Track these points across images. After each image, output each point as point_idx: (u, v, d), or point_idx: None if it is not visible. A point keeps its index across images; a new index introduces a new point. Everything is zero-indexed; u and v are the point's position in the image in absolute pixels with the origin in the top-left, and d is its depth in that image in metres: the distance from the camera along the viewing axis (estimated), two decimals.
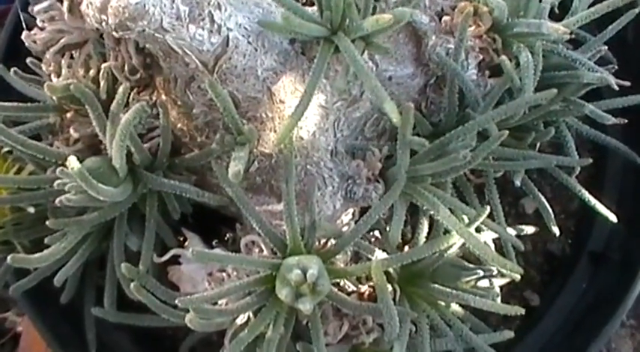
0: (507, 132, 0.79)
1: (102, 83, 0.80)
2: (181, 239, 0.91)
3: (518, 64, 0.84)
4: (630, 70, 0.93)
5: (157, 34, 0.72)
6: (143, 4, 0.70)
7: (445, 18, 0.86)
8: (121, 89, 0.75)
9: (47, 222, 0.79)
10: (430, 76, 0.86)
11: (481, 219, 0.80)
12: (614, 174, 0.99)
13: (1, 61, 0.94)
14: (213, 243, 0.91)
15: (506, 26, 0.84)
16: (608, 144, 0.93)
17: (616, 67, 0.89)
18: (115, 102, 0.75)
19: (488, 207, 0.80)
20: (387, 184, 0.82)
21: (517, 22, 0.83)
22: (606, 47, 0.89)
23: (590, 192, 0.91)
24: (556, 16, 0.92)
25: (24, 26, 0.89)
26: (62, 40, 0.74)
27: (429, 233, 0.86)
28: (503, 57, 0.80)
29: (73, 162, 0.71)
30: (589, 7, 0.91)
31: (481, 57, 0.85)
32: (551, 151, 0.94)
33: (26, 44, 0.76)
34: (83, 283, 0.91)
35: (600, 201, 0.91)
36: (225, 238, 0.92)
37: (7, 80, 0.91)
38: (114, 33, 0.72)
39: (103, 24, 0.71)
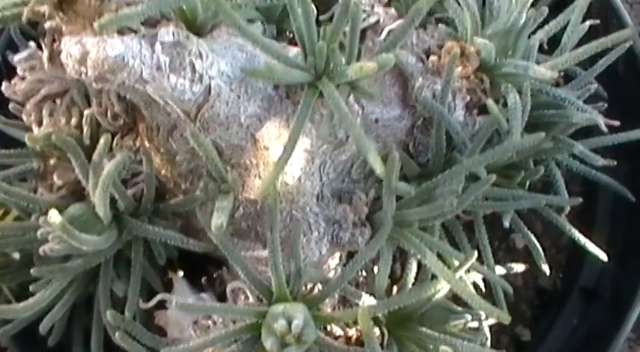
0: (495, 176, 0.78)
1: (85, 129, 0.80)
2: (168, 279, 0.90)
3: (506, 104, 0.83)
4: (621, 104, 0.92)
5: (137, 86, 0.71)
6: (122, 57, 0.69)
7: (432, 58, 0.85)
8: (102, 139, 0.74)
9: (32, 270, 0.79)
10: (417, 117, 0.85)
11: (469, 264, 0.80)
12: (605, 209, 0.98)
13: None
14: (202, 280, 0.91)
15: (494, 66, 0.83)
16: (598, 180, 0.92)
17: (606, 105, 0.88)
18: (96, 152, 0.74)
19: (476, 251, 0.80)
20: (374, 228, 0.82)
21: (505, 62, 0.82)
22: (596, 84, 0.88)
23: (580, 227, 0.91)
24: (546, 50, 0.92)
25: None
26: (43, 91, 0.74)
27: (417, 272, 0.85)
28: (490, 101, 0.79)
29: (54, 215, 0.70)
30: (579, 42, 0.90)
31: (468, 98, 0.84)
32: (540, 187, 0.94)
33: (6, 95, 0.75)
34: (71, 325, 0.90)
35: (591, 237, 0.90)
36: (214, 275, 0.92)
37: None
38: (94, 84, 0.71)
39: (83, 75, 0.70)
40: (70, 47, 0.70)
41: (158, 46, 0.71)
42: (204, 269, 0.92)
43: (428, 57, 0.86)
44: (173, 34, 0.72)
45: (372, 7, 0.88)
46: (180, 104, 0.73)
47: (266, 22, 0.91)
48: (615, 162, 0.86)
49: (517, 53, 0.84)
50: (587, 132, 0.90)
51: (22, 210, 0.83)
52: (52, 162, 0.81)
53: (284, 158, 0.73)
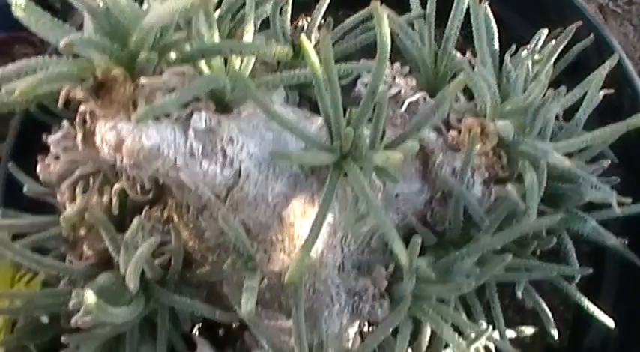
0: (511, 255, 0.81)
1: (114, 200, 0.82)
2: (189, 337, 0.93)
3: (521, 177, 0.86)
4: (633, 173, 0.95)
5: (170, 172, 0.73)
6: (158, 146, 0.71)
7: (452, 133, 0.87)
8: (134, 222, 0.76)
9: (62, 338, 0.81)
10: (436, 190, 0.87)
11: (484, 337, 0.83)
12: (613, 271, 1.01)
13: (11, 157, 0.95)
14: (220, 331, 0.94)
15: (513, 144, 0.85)
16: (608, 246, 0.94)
17: (618, 180, 0.90)
18: (128, 232, 0.76)
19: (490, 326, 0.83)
20: (393, 300, 0.84)
21: (523, 141, 0.85)
22: (609, 160, 0.90)
23: (587, 289, 0.94)
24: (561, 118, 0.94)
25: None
26: (77, 172, 0.76)
27: (431, 336, 0.89)
28: (510, 187, 0.82)
29: (90, 297, 0.73)
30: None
31: (487, 174, 0.86)
32: (549, 251, 0.96)
33: (41, 178, 0.77)
34: None
35: (597, 300, 0.93)
36: (232, 326, 0.95)
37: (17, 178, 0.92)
38: (128, 170, 0.73)
39: (117, 161, 0.72)
40: (105, 133, 0.72)
41: (191, 132, 0.73)
42: (225, 330, 0.95)
43: (448, 128, 0.89)
44: (205, 120, 0.74)
45: (394, 78, 0.91)
46: (211, 188, 0.75)
47: (289, 88, 0.93)
48: (626, 241, 0.88)
49: (534, 129, 0.86)
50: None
51: (50, 275, 0.86)
52: (81, 232, 0.83)
53: (311, 239, 0.76)
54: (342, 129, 0.77)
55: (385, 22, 0.72)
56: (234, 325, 0.94)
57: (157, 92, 0.75)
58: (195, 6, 0.67)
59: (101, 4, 0.71)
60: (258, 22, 0.91)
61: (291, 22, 0.98)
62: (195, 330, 0.93)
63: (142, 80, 0.74)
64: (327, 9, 0.98)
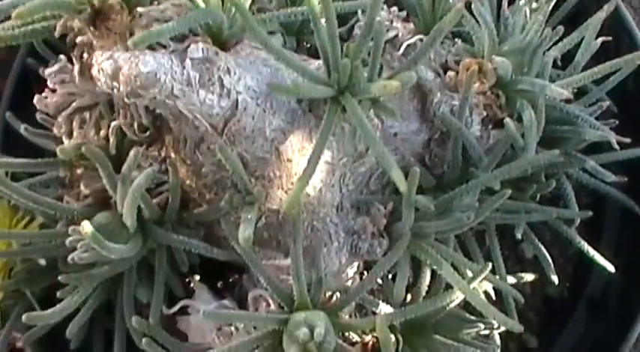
0: (510, 190, 0.81)
1: (111, 139, 0.82)
2: (188, 283, 0.92)
3: (520, 118, 0.86)
4: (631, 120, 0.95)
5: (167, 101, 0.73)
6: (155, 73, 0.71)
7: (450, 73, 0.87)
8: (132, 153, 0.76)
9: (59, 277, 0.81)
10: (434, 130, 0.87)
11: (483, 276, 0.82)
12: (613, 220, 1.01)
13: (8, 108, 0.94)
14: (219, 284, 0.94)
15: (510, 83, 0.85)
16: (607, 193, 0.94)
17: (617, 122, 0.90)
18: (125, 165, 0.76)
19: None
20: (392, 239, 0.84)
21: (521, 79, 0.85)
22: (608, 101, 0.90)
23: (588, 238, 0.93)
24: (559, 65, 0.94)
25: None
26: (74, 104, 0.76)
27: (431, 280, 0.88)
28: (508, 119, 0.81)
29: (87, 226, 0.72)
30: (591, 57, 0.93)
31: (485, 113, 0.86)
32: (549, 198, 0.96)
33: (38, 108, 0.76)
34: (92, 327, 0.92)
35: (598, 248, 0.93)
36: (231, 280, 0.94)
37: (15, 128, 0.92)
38: (125, 99, 0.73)
39: (115, 90, 0.72)
40: (102, 62, 0.72)
41: (188, 62, 0.73)
42: (221, 275, 0.94)
43: (445, 71, 0.89)
44: (202, 50, 0.74)
45: (391, 21, 0.90)
46: (208, 118, 0.75)
47: (286, 34, 0.93)
48: (626, 179, 0.88)
49: (532, 70, 0.86)
50: (597, 147, 0.92)
51: (47, 218, 0.85)
52: (78, 171, 0.83)
53: (308, 173, 0.75)
54: (339, 63, 0.77)
55: None
56: (231, 279, 0.94)
57: (154, 23, 0.75)
58: None
59: None
60: None
61: None
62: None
63: (139, 9, 0.74)
64: None
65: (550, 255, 0.95)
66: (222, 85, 0.75)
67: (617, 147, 0.85)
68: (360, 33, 0.77)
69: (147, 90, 0.71)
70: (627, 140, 0.87)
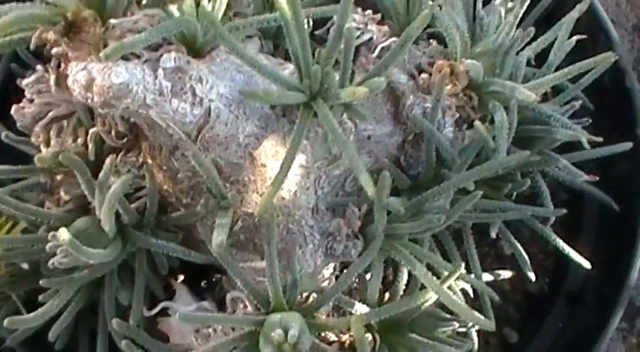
0: (481, 192, 0.82)
1: (90, 146, 0.83)
2: (169, 284, 0.94)
3: (493, 120, 0.87)
4: (606, 117, 0.96)
5: (140, 110, 0.74)
6: (127, 84, 0.72)
7: (423, 75, 0.88)
8: (108, 160, 0.77)
9: (40, 281, 0.83)
10: (408, 132, 0.88)
11: (456, 276, 0.84)
12: (592, 216, 1.02)
13: None
14: (202, 283, 0.95)
15: (482, 84, 0.86)
16: (584, 190, 0.95)
17: (590, 121, 0.91)
18: (102, 172, 0.77)
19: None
20: (366, 240, 0.85)
21: (492, 81, 0.86)
22: (582, 98, 0.91)
23: (567, 235, 0.94)
24: (534, 64, 0.95)
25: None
26: (50, 114, 0.77)
27: (408, 279, 0.89)
28: (478, 122, 0.83)
29: (63, 233, 0.74)
30: (566, 56, 0.93)
31: (458, 114, 0.87)
32: (527, 196, 0.97)
33: (15, 119, 0.78)
34: (77, 328, 0.94)
35: (577, 244, 0.94)
36: (214, 279, 0.96)
37: None
38: (99, 109, 0.74)
39: (89, 101, 0.74)
40: (76, 73, 0.74)
41: (160, 71, 0.75)
42: (205, 274, 0.96)
43: (420, 73, 0.90)
44: (174, 59, 0.76)
45: (366, 24, 0.92)
46: (181, 126, 0.77)
47: (263, 37, 0.94)
48: (597, 178, 0.89)
49: (504, 71, 0.87)
50: (574, 145, 0.93)
51: (30, 222, 0.87)
52: (58, 177, 0.85)
53: (281, 176, 0.77)
54: (310, 68, 0.78)
55: None
56: (214, 278, 0.96)
57: (128, 34, 0.76)
58: None
59: None
60: None
61: None
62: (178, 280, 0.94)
63: (112, 21, 0.76)
64: None
65: (529, 251, 0.96)
66: (194, 94, 0.76)
67: (588, 147, 0.86)
68: (330, 38, 0.78)
69: (120, 101, 0.73)
70: (599, 139, 0.88)
